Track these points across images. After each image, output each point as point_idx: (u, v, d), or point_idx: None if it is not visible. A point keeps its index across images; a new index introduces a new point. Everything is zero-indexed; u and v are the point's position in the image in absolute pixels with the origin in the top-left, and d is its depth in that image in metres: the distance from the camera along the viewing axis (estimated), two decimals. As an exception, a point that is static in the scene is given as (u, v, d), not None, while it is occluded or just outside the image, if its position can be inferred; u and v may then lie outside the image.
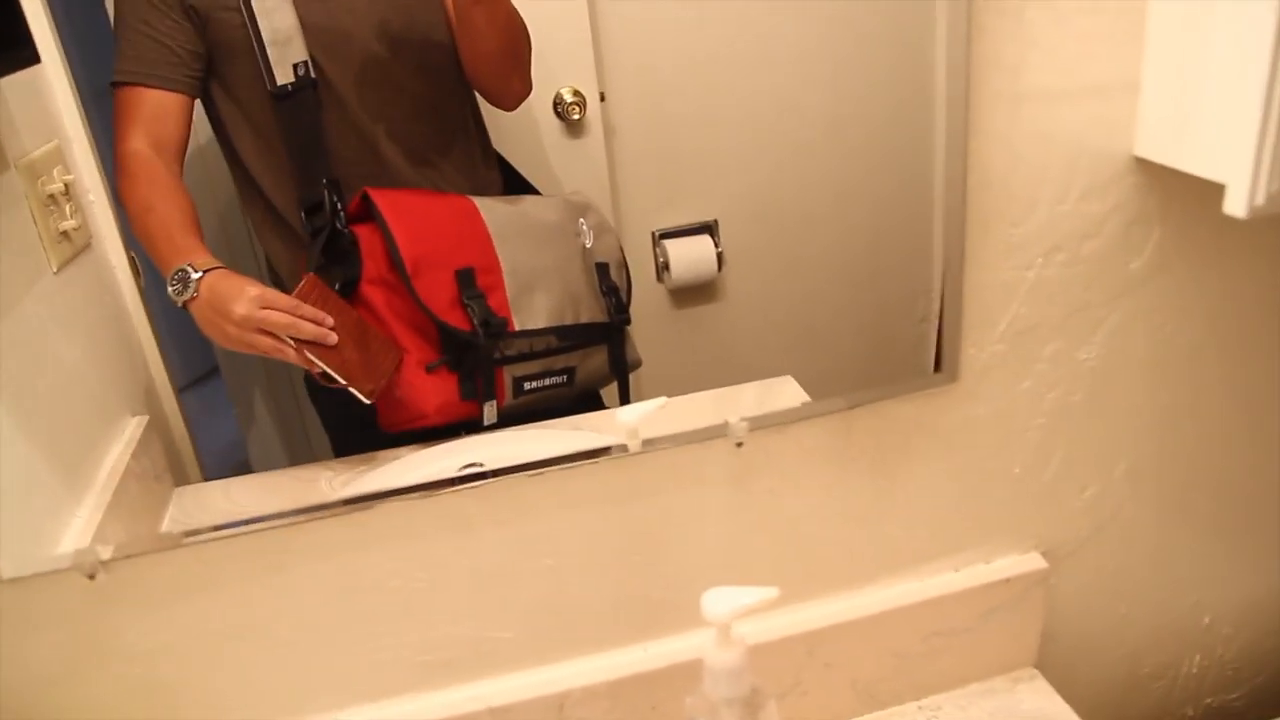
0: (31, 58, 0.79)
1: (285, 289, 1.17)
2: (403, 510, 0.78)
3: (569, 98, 1.32)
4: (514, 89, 1.13)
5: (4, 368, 0.74)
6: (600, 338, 1.11)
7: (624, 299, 1.14)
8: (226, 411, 1.26)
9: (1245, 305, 0.88)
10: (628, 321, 1.13)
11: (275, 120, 1.07)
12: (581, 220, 1.12)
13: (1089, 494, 0.91)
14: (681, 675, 0.84)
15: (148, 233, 0.99)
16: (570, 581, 0.82)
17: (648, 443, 0.81)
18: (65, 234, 0.89)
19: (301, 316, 0.98)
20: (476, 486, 0.78)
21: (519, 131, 1.29)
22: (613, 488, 0.81)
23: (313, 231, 1.05)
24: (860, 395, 0.84)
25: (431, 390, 1.02)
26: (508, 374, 1.04)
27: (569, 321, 1.07)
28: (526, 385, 1.04)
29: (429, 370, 1.02)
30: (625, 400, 1.15)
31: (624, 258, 1.15)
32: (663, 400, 0.88)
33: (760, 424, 0.80)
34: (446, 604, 0.81)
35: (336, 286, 1.02)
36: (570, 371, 1.09)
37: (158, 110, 1.02)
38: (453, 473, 0.96)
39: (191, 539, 0.76)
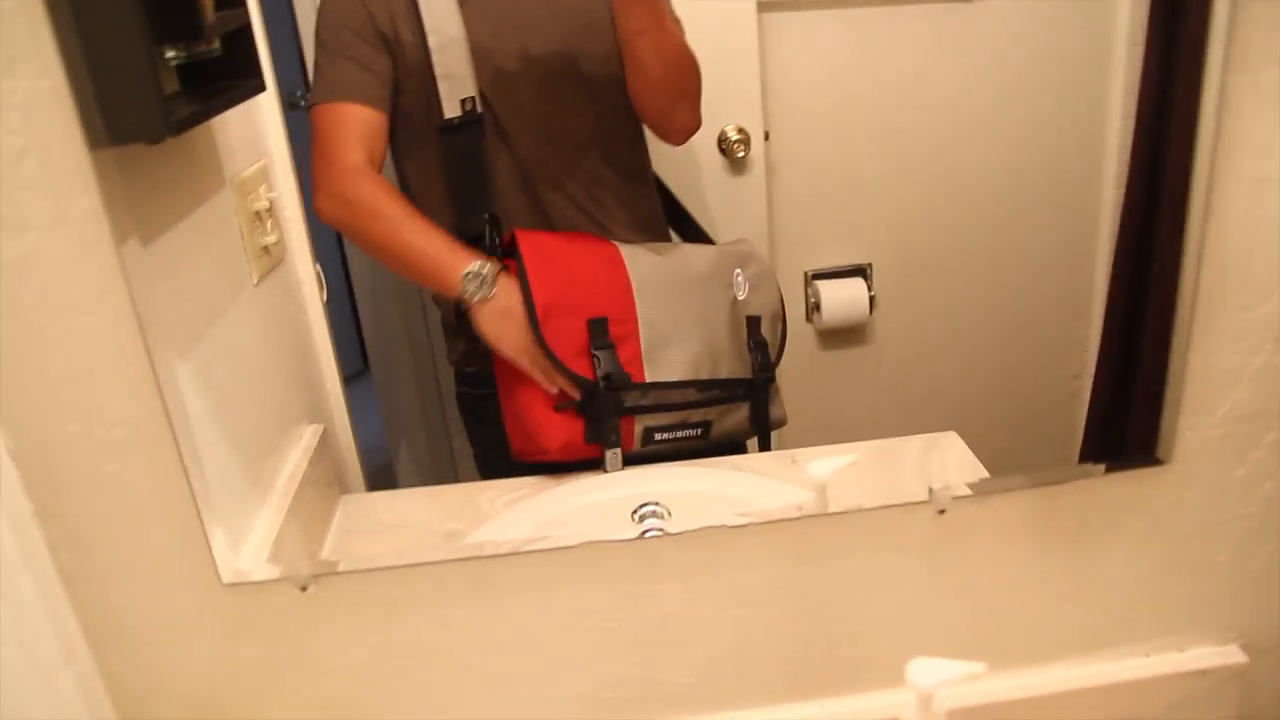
0: (260, 86, 0.83)
1: (440, 306, 1.19)
2: (598, 552, 0.79)
3: (734, 135, 1.33)
4: (680, 122, 1.13)
5: (213, 373, 0.78)
6: (743, 394, 1.10)
7: (772, 355, 1.12)
8: (370, 413, 1.30)
9: None
10: (772, 379, 1.12)
11: (440, 152, 1.10)
12: (738, 272, 1.11)
13: (1297, 589, 0.87)
14: (857, 736, 0.83)
15: (406, 242, 1.03)
16: (755, 633, 0.82)
17: (847, 504, 0.80)
18: (266, 249, 0.94)
19: None
20: (675, 536, 0.78)
21: (683, 166, 1.30)
22: (806, 544, 0.80)
23: None
24: (1067, 471, 0.82)
25: (557, 429, 1.03)
26: (639, 423, 1.04)
27: (705, 376, 1.06)
28: (657, 436, 1.04)
29: (557, 409, 1.03)
30: (765, 448, 1.14)
31: (782, 310, 1.14)
32: (853, 456, 0.88)
33: (966, 494, 0.79)
34: (630, 645, 0.82)
35: None
36: (706, 425, 1.08)
37: (368, 127, 1.06)
38: (626, 507, 0.98)
39: (398, 563, 0.78)
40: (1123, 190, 1.00)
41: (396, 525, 1.05)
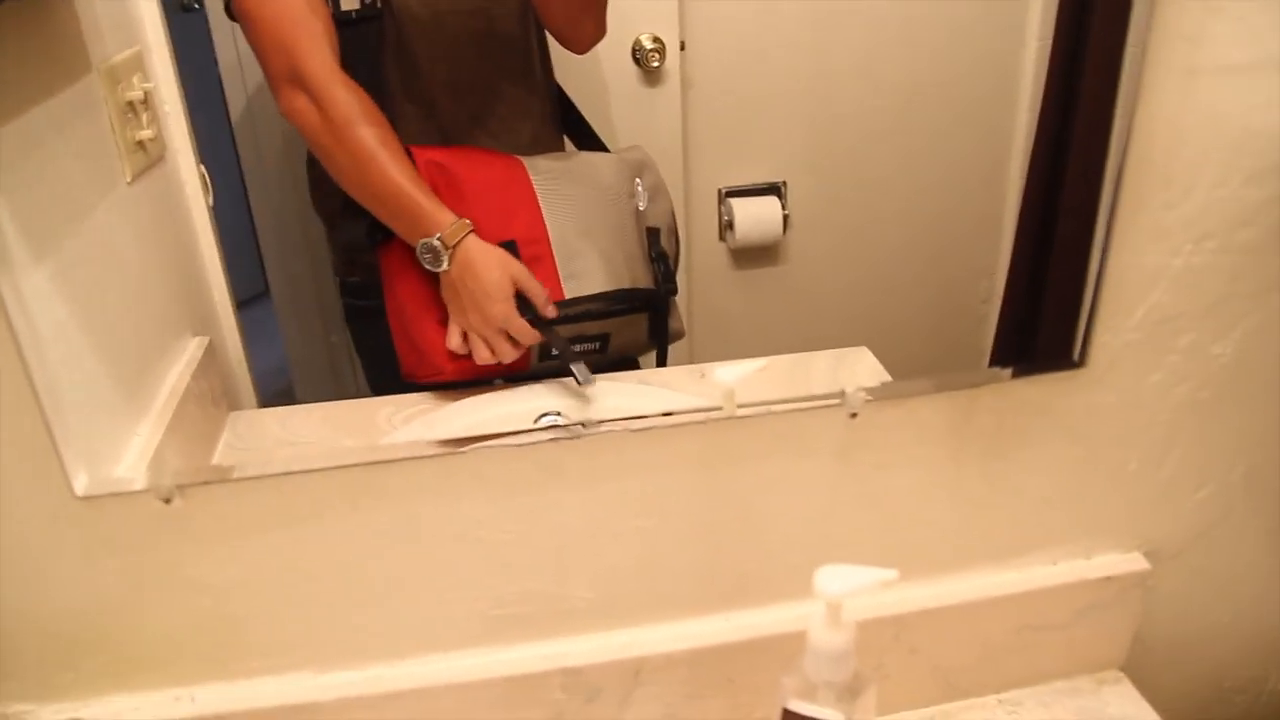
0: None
1: (333, 218, 1.12)
2: (495, 458, 0.74)
3: (649, 45, 1.27)
4: (587, 30, 1.08)
5: (76, 277, 0.71)
6: (642, 306, 1.06)
7: (672, 267, 1.09)
8: (271, 335, 1.24)
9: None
10: (674, 291, 1.09)
11: (339, 50, 1.02)
12: (637, 181, 1.07)
13: (1202, 495, 0.87)
14: (763, 649, 0.81)
15: (386, 179, 0.93)
16: (659, 544, 0.79)
17: (752, 406, 0.77)
18: (141, 144, 0.86)
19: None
20: (577, 437, 0.74)
21: (595, 76, 1.24)
22: (714, 449, 0.76)
23: None
24: (980, 374, 0.79)
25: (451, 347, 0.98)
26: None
27: (624, 286, 1.02)
28: (555, 350, 1.00)
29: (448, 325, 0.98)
30: (662, 365, 1.11)
31: (675, 223, 1.10)
32: (763, 362, 0.84)
33: (879, 395, 0.76)
34: (529, 558, 0.77)
35: (380, 238, 0.98)
36: (604, 338, 1.04)
37: (326, 21, 0.94)
38: (528, 420, 0.93)
39: (272, 471, 0.72)
40: (1039, 103, 0.98)
41: (288, 442, 0.99)
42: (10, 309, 0.62)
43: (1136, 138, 0.71)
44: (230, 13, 0.95)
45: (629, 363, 1.10)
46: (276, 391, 1.20)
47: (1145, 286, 0.77)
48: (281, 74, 0.93)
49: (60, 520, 0.70)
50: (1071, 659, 0.89)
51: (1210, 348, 0.80)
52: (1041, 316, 0.89)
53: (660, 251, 1.08)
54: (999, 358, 1.01)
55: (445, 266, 0.92)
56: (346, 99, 0.92)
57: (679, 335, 1.10)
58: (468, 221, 0.92)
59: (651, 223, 1.07)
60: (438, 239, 0.91)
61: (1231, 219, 0.75)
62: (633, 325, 1.07)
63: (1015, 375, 0.78)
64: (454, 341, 0.96)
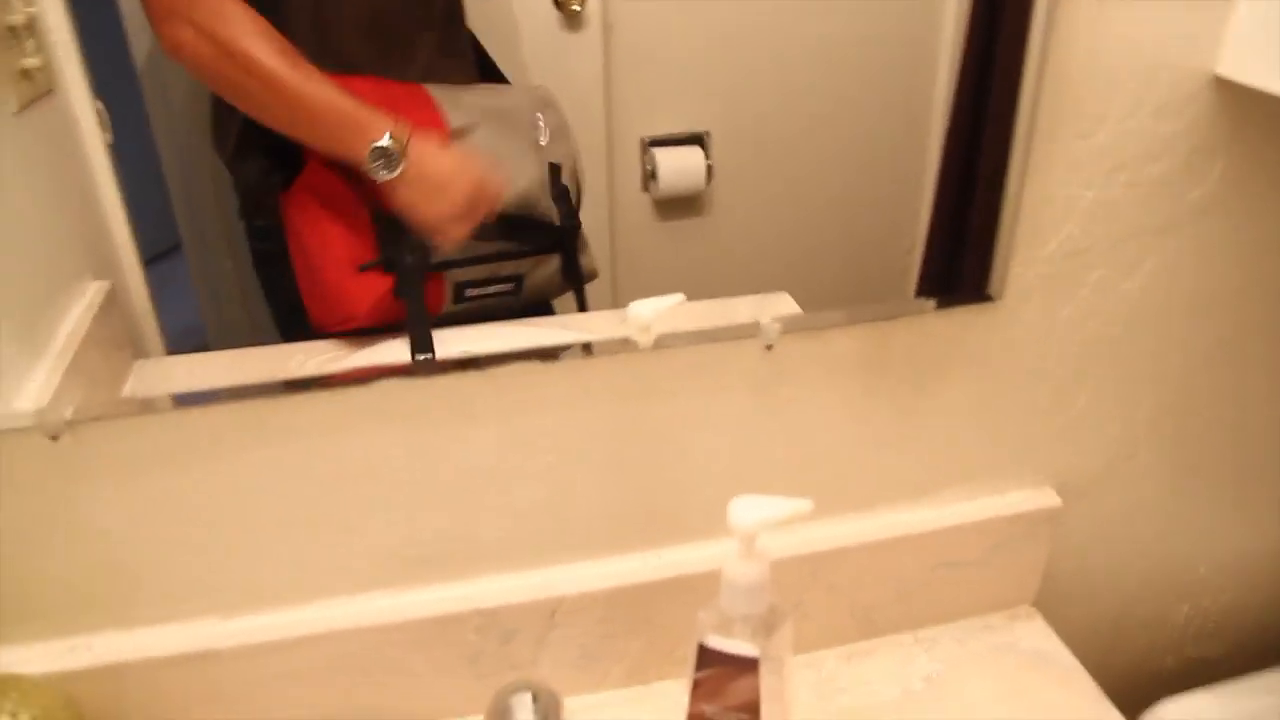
0: None
1: (230, 160, 1.07)
2: (401, 390, 0.72)
3: (569, -13, 1.24)
4: None
5: None
6: (552, 245, 1.05)
7: (574, 204, 1.07)
8: (186, 292, 1.19)
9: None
10: (578, 225, 1.07)
11: None
12: (539, 115, 1.05)
13: (1110, 432, 0.88)
14: (681, 588, 0.80)
15: (296, 104, 0.87)
16: (573, 482, 0.77)
17: (670, 338, 0.76)
18: (26, 73, 0.81)
19: None
20: (484, 372, 0.72)
21: (513, 19, 1.21)
22: (628, 384, 0.75)
23: None
24: (902, 305, 0.79)
25: (363, 291, 0.95)
26: (448, 279, 0.97)
27: (530, 211, 1.01)
28: (469, 292, 0.98)
29: (362, 270, 0.95)
30: (582, 310, 1.09)
31: (577, 167, 1.08)
32: (680, 297, 0.83)
33: (793, 327, 0.75)
34: (439, 496, 0.75)
35: (278, 182, 0.94)
36: (518, 279, 1.02)
37: None
38: (454, 354, 0.91)
39: (167, 406, 0.69)
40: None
41: (210, 383, 0.95)
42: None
43: (1051, 65, 0.71)
44: None
45: (544, 310, 1.08)
46: (194, 347, 1.15)
47: (1058, 219, 0.77)
48: (159, 6, 0.88)
49: (-59, 460, 0.66)
50: (985, 595, 0.90)
51: (1120, 283, 0.81)
52: (961, 257, 0.89)
53: (561, 188, 1.06)
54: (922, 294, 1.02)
55: (399, 170, 0.87)
56: (241, 16, 0.87)
57: (592, 276, 1.08)
58: (406, 120, 0.89)
59: (554, 158, 1.05)
60: (388, 139, 0.87)
61: (1142, 152, 0.76)
62: (545, 265, 1.05)
63: (927, 309, 0.78)
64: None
